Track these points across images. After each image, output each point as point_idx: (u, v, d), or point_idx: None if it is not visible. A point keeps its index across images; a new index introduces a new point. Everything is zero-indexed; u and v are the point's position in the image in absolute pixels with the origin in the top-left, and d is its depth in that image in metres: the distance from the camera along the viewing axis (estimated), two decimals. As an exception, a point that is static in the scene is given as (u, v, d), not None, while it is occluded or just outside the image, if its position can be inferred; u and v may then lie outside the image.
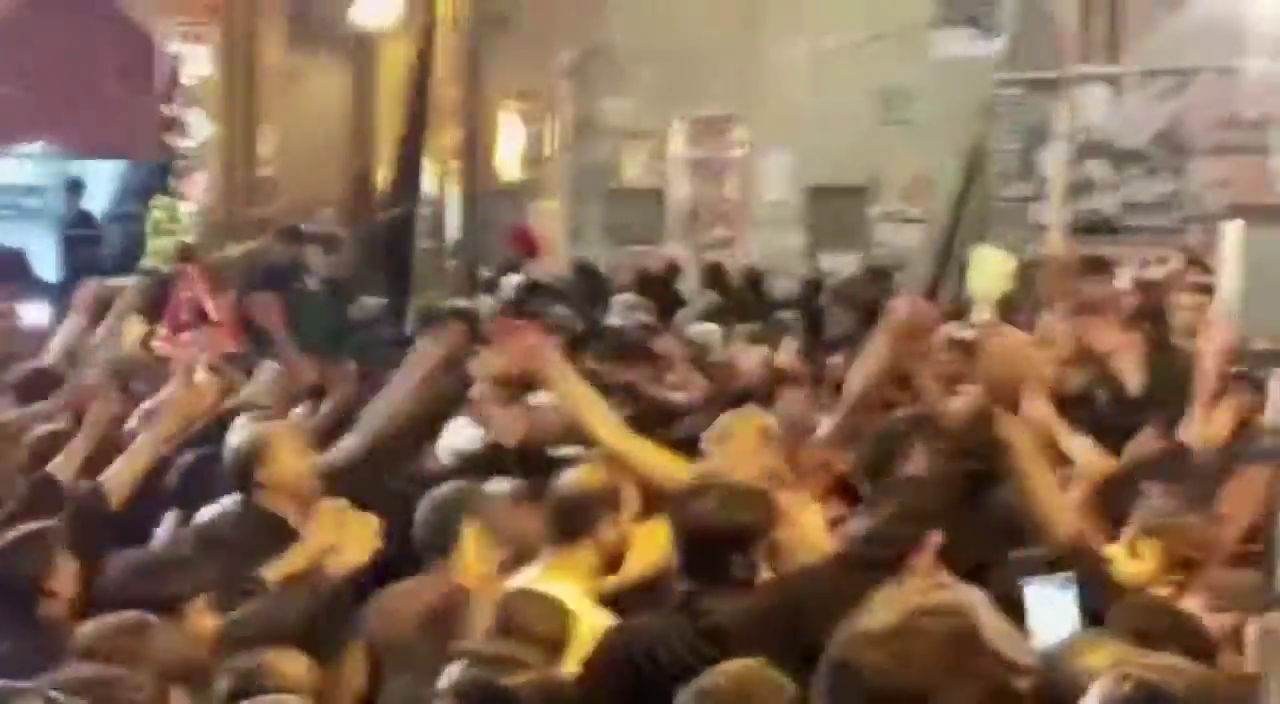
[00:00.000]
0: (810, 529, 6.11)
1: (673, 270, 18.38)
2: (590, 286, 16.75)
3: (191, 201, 14.28)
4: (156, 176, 14.64)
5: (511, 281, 18.15)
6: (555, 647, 4.76)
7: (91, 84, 19.03)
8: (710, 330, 12.86)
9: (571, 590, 5.36)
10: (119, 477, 6.58)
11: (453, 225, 20.32)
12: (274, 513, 6.34)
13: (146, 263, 13.49)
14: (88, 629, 4.74)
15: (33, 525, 5.88)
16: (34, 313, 13.27)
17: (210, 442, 7.50)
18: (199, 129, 14.43)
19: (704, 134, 20.23)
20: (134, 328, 10.82)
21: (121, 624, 4.70)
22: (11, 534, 5.84)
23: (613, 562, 5.57)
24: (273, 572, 5.60)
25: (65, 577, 5.67)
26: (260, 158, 19.55)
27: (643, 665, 5.06)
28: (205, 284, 13.04)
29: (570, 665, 4.80)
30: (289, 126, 19.75)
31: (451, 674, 4.51)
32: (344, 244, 17.23)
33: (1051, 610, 4.52)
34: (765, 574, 5.26)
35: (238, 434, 6.51)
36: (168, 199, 13.65)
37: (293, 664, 4.82)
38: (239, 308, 13.74)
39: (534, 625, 4.74)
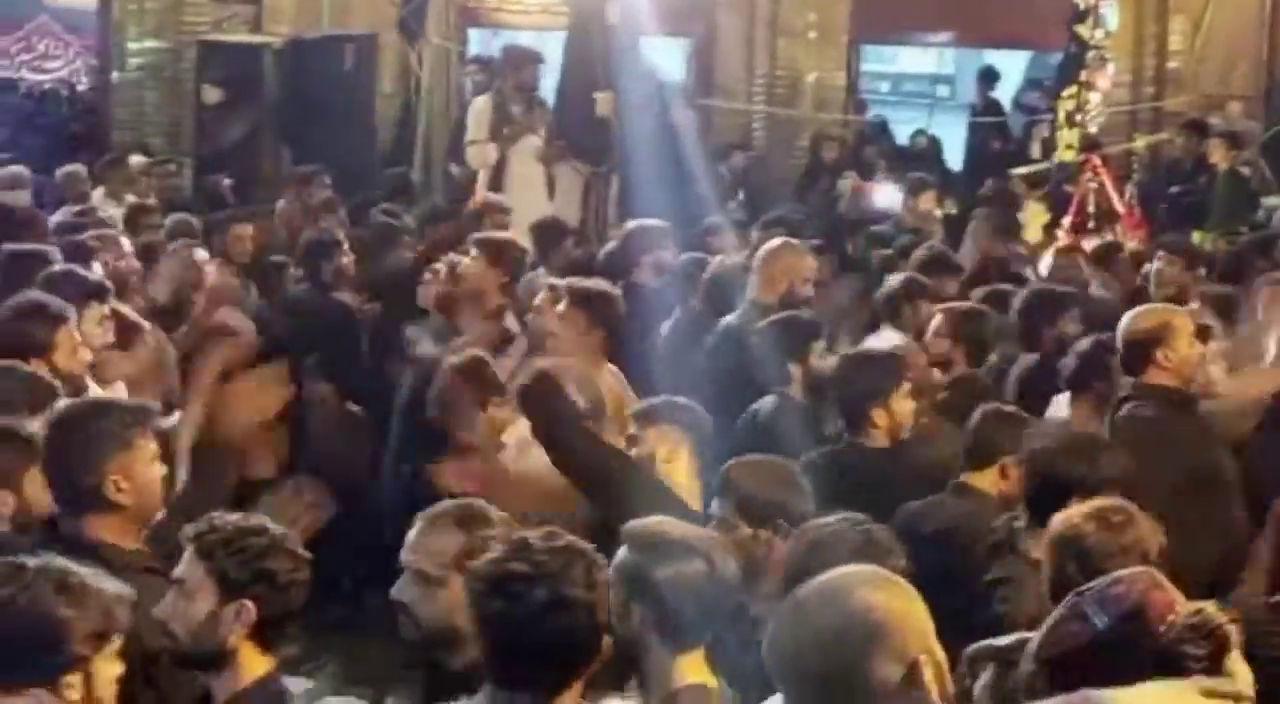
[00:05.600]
0: None
1: None
2: None
3: (1099, 92, 14.30)
4: (1065, 67, 14.73)
5: None
6: None
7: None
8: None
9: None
10: None
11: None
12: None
13: (1055, 155, 13.65)
14: None
15: None
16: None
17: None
18: (1110, 19, 14.39)
19: None
20: (1037, 215, 11.06)
21: None
22: None
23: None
24: None
25: None
26: (1170, 50, 19.37)
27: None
28: (1110, 176, 13.13)
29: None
30: (1201, 19, 19.47)
31: None
32: (1251, 139, 16.87)
33: None
34: None
35: (1141, 313, 6.66)
36: (1076, 89, 13.73)
37: None
38: (1143, 201, 13.80)
39: None
